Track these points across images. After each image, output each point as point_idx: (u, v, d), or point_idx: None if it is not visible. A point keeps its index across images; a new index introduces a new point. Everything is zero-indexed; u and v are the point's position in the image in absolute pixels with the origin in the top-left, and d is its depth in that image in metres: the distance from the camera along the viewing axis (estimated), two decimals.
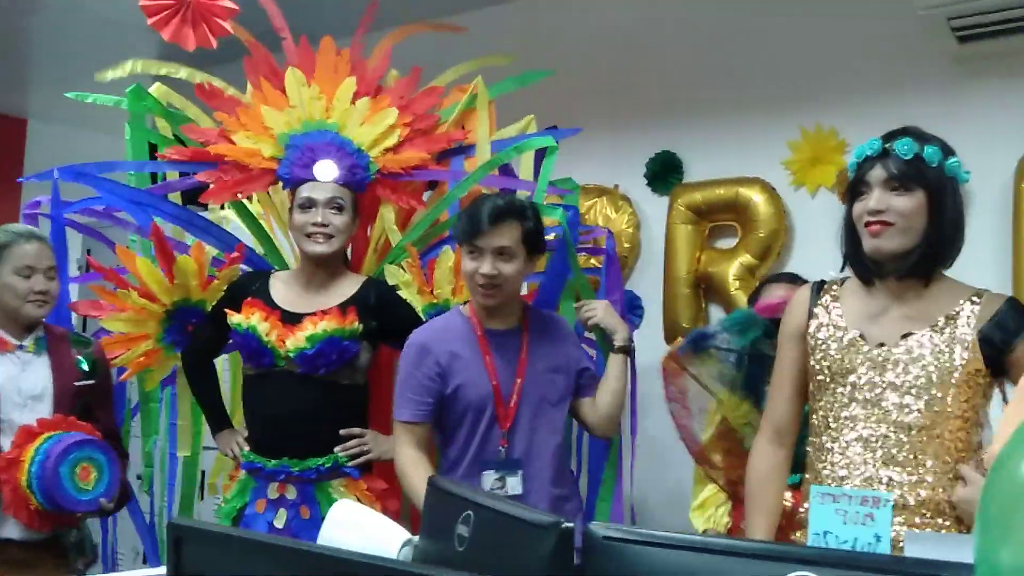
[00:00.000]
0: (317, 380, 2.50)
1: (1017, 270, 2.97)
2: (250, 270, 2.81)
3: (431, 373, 2.36)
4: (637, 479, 3.02)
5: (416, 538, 1.56)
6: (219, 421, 2.77)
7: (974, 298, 1.85)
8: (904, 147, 1.81)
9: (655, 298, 3.61)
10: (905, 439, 1.81)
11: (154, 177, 3.05)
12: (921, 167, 1.81)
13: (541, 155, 2.93)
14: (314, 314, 2.51)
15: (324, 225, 2.54)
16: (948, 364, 1.80)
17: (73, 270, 3.73)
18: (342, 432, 2.55)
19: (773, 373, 2.06)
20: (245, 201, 2.97)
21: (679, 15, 3.76)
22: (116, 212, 2.98)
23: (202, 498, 3.12)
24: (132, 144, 2.96)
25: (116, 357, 2.71)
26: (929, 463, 1.80)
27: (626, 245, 3.71)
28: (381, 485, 2.57)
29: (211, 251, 2.79)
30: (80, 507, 2.44)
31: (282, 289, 2.62)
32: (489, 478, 2.34)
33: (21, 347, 2.53)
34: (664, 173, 3.73)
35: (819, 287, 2.01)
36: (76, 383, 2.57)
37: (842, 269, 1.97)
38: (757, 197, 3.44)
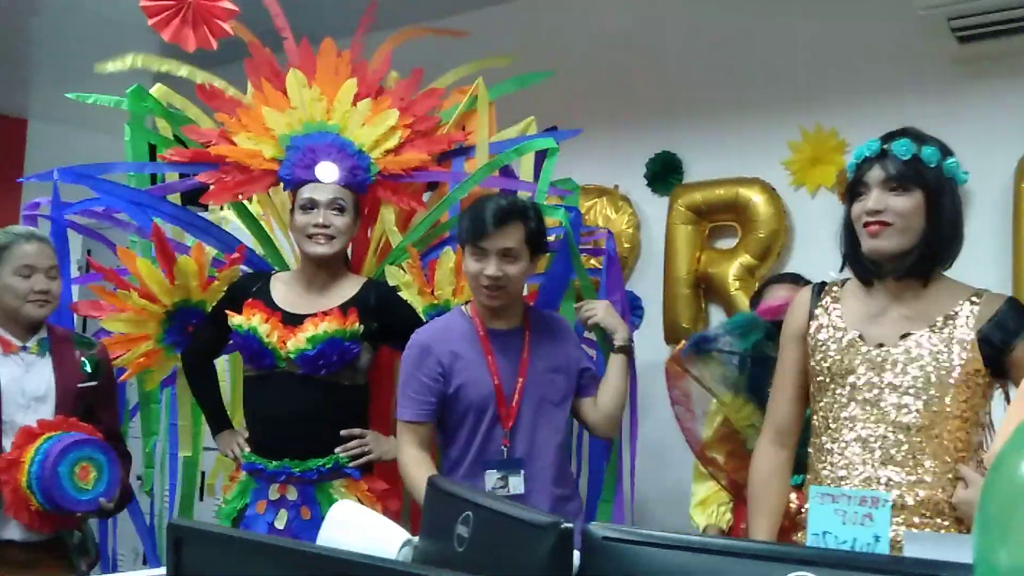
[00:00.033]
0: (318, 381, 2.50)
1: (1017, 270, 2.97)
2: (250, 271, 2.81)
3: (433, 373, 2.36)
4: (637, 479, 3.02)
5: (416, 538, 1.56)
6: (219, 422, 2.77)
7: (973, 298, 1.85)
8: (902, 148, 1.82)
9: (655, 298, 3.61)
10: (904, 439, 1.81)
11: (153, 178, 3.05)
12: (919, 167, 1.82)
13: (542, 156, 2.93)
14: (315, 315, 2.51)
15: (326, 226, 2.54)
16: (947, 364, 1.80)
17: (73, 271, 3.72)
18: (343, 433, 2.55)
19: (775, 375, 2.07)
20: (245, 202, 2.97)
21: (679, 15, 3.76)
22: (116, 213, 2.98)
23: (202, 499, 3.12)
24: (132, 145, 2.96)
25: (116, 358, 2.71)
26: (928, 463, 1.80)
27: (626, 245, 3.71)
28: (382, 486, 2.58)
29: (211, 252, 2.80)
30: (79, 507, 2.43)
31: (283, 290, 2.62)
32: (491, 477, 2.35)
33: (25, 348, 2.53)
34: (664, 173, 3.73)
35: (820, 288, 2.01)
36: (79, 385, 2.57)
37: (841, 269, 1.98)
38: (757, 197, 3.44)
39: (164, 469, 3.05)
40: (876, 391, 1.84)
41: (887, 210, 1.82)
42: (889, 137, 1.86)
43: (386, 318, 2.59)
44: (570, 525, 1.15)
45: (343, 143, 2.75)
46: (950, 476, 1.80)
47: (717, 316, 3.55)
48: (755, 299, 2.85)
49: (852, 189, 1.89)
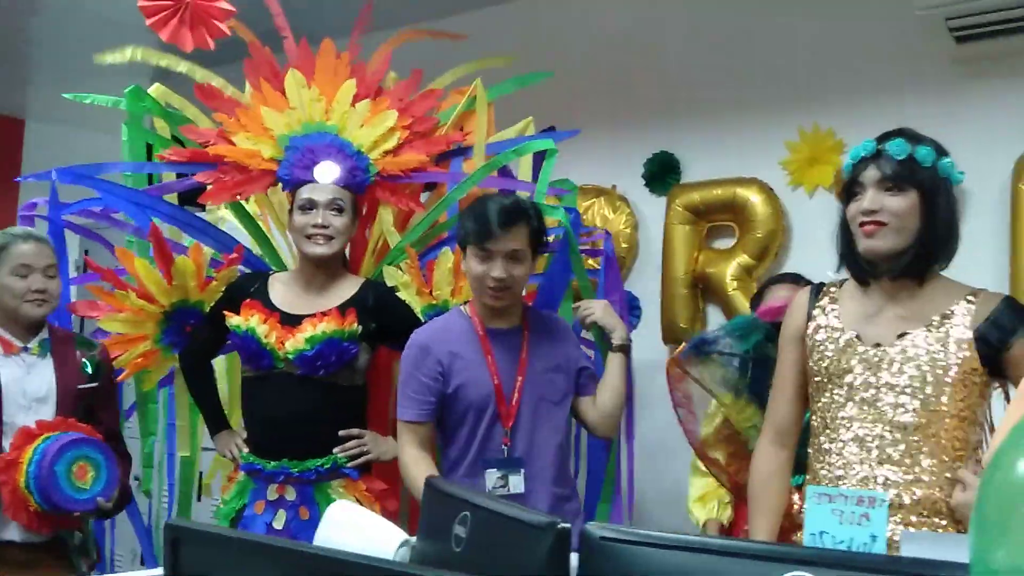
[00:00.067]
0: (316, 381, 2.50)
1: (1015, 270, 2.97)
2: (248, 271, 2.81)
3: (432, 373, 2.36)
4: (635, 478, 3.02)
5: (413, 539, 1.56)
6: (217, 422, 2.77)
7: (969, 297, 1.85)
8: (897, 148, 1.83)
9: (653, 298, 3.61)
10: (901, 439, 1.81)
11: (150, 178, 3.04)
12: (914, 167, 1.82)
13: (540, 155, 2.93)
14: (313, 316, 2.51)
15: (324, 227, 2.54)
16: (943, 363, 1.81)
17: (71, 271, 3.73)
18: (341, 433, 2.55)
19: (775, 375, 2.07)
20: (242, 202, 2.97)
21: (678, 16, 3.76)
22: (114, 213, 2.97)
23: (200, 499, 3.12)
24: (129, 145, 2.95)
25: (114, 358, 2.71)
26: (925, 463, 1.80)
27: (624, 245, 3.71)
28: (380, 486, 2.58)
29: (209, 252, 2.79)
30: (77, 506, 2.42)
31: (281, 291, 2.62)
32: (492, 477, 2.34)
33: (26, 349, 2.53)
34: (662, 173, 3.73)
35: (818, 289, 2.02)
36: (80, 386, 2.56)
37: (837, 270, 1.98)
38: (755, 197, 3.44)
39: (162, 469, 3.05)
40: (873, 391, 1.84)
41: (882, 210, 1.83)
42: (884, 137, 1.87)
43: (384, 318, 2.59)
44: (567, 525, 1.15)
45: (342, 144, 2.75)
46: (947, 475, 1.80)
47: (715, 316, 3.55)
48: (756, 299, 2.86)
49: (848, 189, 1.90)
